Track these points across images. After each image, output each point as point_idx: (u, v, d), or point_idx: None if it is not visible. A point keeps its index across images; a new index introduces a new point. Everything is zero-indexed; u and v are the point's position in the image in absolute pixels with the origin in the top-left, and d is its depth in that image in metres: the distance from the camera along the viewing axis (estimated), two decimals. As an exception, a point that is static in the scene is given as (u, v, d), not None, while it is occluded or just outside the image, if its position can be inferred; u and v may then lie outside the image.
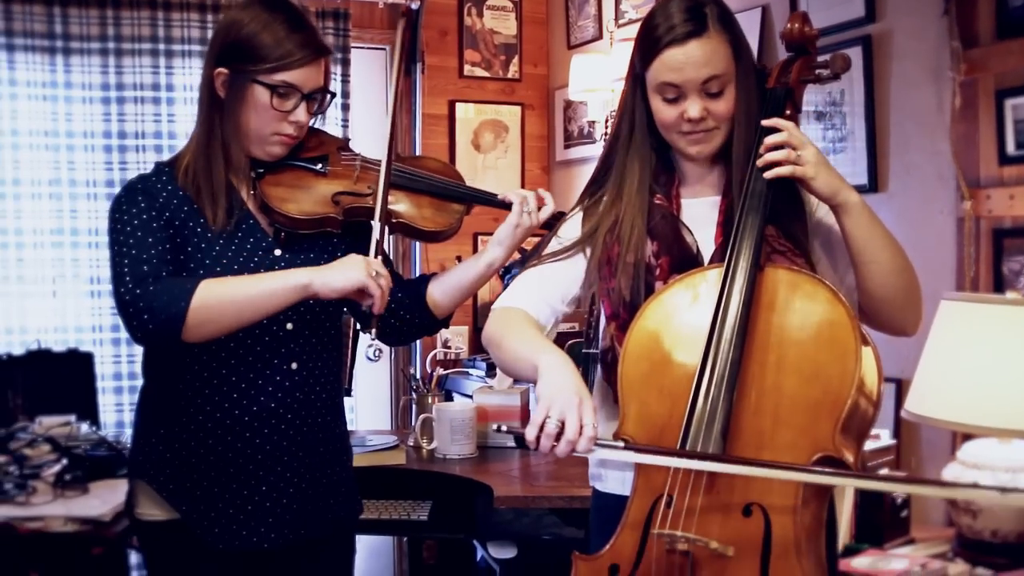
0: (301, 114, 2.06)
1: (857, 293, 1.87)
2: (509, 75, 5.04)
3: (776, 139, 1.76)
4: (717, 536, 1.61)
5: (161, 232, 2.00)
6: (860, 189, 3.12)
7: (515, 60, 5.04)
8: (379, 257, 2.01)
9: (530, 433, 1.62)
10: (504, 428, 1.75)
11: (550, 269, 1.97)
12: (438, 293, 2.20)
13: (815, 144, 1.80)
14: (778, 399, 1.66)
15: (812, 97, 3.31)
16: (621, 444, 1.68)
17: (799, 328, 1.69)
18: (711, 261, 1.86)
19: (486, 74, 5.00)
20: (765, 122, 1.79)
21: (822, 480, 1.59)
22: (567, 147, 4.94)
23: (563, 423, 1.60)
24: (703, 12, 1.82)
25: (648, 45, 1.85)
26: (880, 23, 3.10)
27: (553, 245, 2.01)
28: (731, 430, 1.65)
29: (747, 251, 1.74)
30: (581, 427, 1.61)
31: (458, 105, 4.93)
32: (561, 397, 1.63)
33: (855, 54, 3.16)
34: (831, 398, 1.62)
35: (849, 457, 1.63)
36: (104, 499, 2.73)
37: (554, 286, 1.96)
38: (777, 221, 1.84)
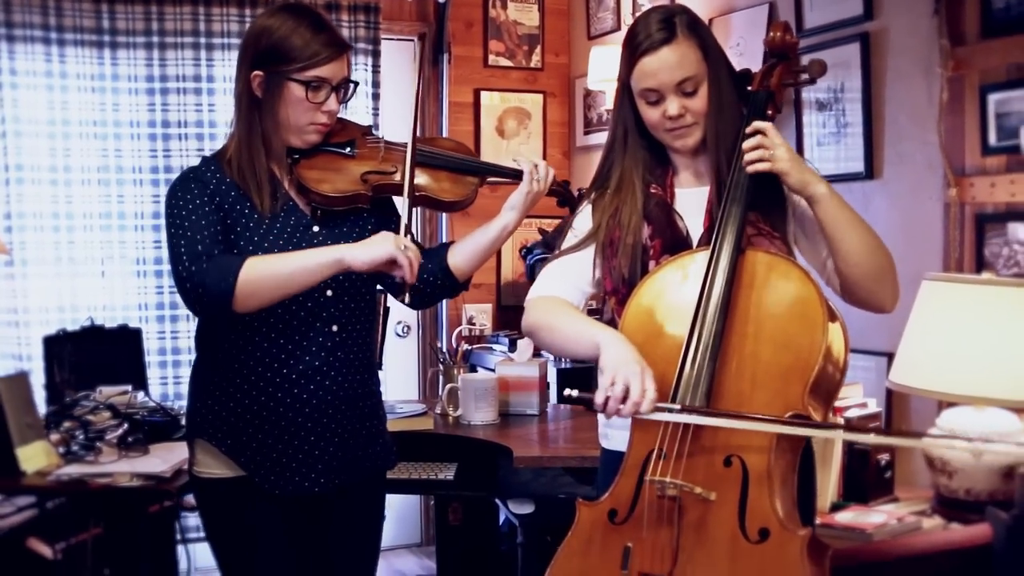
0: (332, 104, 2.30)
1: (836, 274, 2.09)
2: (532, 64, 5.26)
3: (754, 141, 1.99)
4: (701, 483, 1.84)
5: (214, 215, 2.24)
6: (857, 176, 3.37)
7: (537, 50, 5.26)
8: (408, 235, 2.25)
9: (599, 397, 1.87)
10: (575, 394, 1.97)
11: (570, 258, 2.21)
12: (459, 258, 2.42)
13: (788, 142, 2.02)
14: (756, 365, 1.89)
15: (815, 88, 3.53)
16: (678, 407, 1.88)
17: (774, 304, 1.92)
18: (698, 244, 2.09)
19: (510, 63, 5.23)
20: (748, 128, 2.01)
21: (799, 432, 1.84)
22: (587, 133, 5.17)
23: (628, 388, 1.84)
24: (673, 21, 2.06)
25: (629, 55, 2.09)
26: (877, 20, 3.31)
27: (569, 238, 2.25)
28: (714, 392, 1.88)
29: (730, 236, 1.96)
30: (644, 391, 1.85)
31: (483, 93, 5.17)
32: (626, 366, 1.87)
33: (854, 49, 3.37)
34: (801, 364, 1.85)
35: (817, 416, 1.86)
36: (164, 459, 3.00)
37: (578, 272, 2.20)
38: (759, 208, 2.07)
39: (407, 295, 2.24)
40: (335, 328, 2.33)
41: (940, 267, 3.03)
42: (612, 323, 2.14)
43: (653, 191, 2.15)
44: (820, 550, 1.84)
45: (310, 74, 2.24)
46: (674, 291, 2.01)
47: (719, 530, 1.82)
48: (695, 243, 2.10)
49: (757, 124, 2.01)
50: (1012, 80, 2.83)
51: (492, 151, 5.16)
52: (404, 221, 2.26)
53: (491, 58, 5.18)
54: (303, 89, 2.25)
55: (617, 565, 1.87)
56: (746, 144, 1.99)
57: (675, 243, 2.10)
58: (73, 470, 2.90)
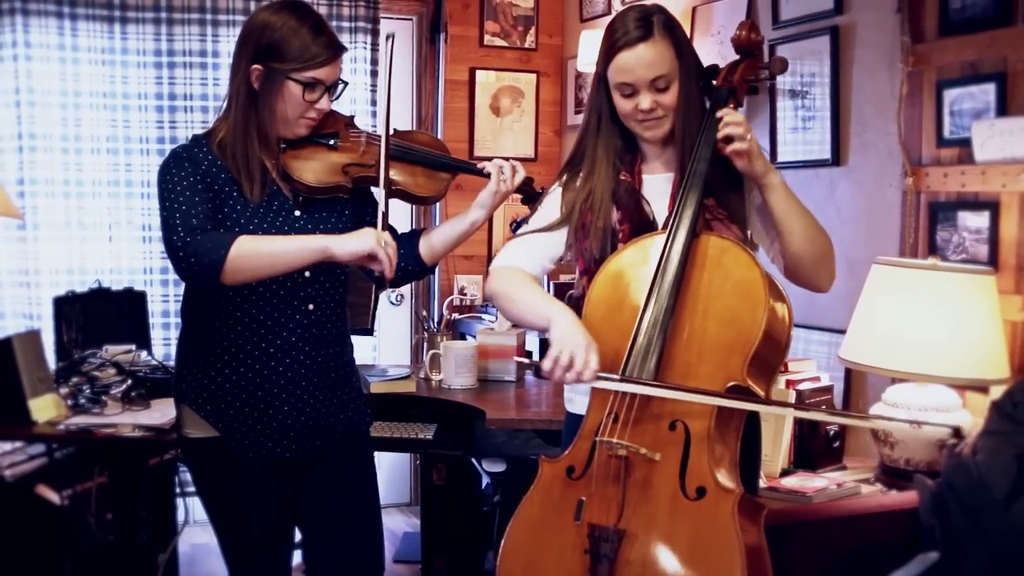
0: (324, 103, 2.46)
1: (781, 256, 2.29)
2: (526, 45, 5.44)
3: (734, 118, 2.16)
4: (648, 444, 2.05)
5: (205, 194, 2.39)
6: (824, 163, 3.57)
7: (532, 31, 5.44)
8: (386, 227, 2.41)
9: (547, 364, 2.08)
10: (526, 361, 2.19)
11: (537, 236, 2.41)
12: (430, 247, 2.61)
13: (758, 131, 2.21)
14: (702, 339, 2.10)
15: (787, 77, 3.71)
16: (617, 376, 2.10)
17: (722, 284, 2.13)
18: (663, 227, 2.28)
19: (504, 44, 5.41)
20: (720, 112, 2.19)
21: (734, 405, 2.04)
22: (578, 112, 5.34)
23: (572, 359, 2.05)
24: (650, 20, 2.23)
25: (607, 49, 2.28)
26: (846, 15, 3.49)
27: (537, 217, 2.44)
28: (664, 361, 2.09)
29: (686, 220, 2.16)
30: (586, 362, 2.05)
31: (478, 72, 5.35)
32: (572, 340, 2.08)
33: (824, 42, 3.56)
34: (743, 339, 2.06)
35: (757, 388, 2.06)
36: (163, 413, 3.23)
37: (542, 249, 2.40)
38: (717, 195, 2.26)
39: (388, 289, 2.40)
40: (311, 307, 2.50)
41: (897, 251, 3.23)
42: (583, 298, 2.33)
43: (623, 178, 2.33)
44: (754, 509, 2.04)
45: (308, 75, 2.39)
46: (634, 270, 2.21)
47: (661, 487, 2.03)
48: (660, 226, 2.28)
49: (729, 111, 2.19)
50: (966, 77, 3.01)
51: (488, 128, 5.35)
52: (382, 210, 2.41)
53: (486, 38, 5.36)
54: (300, 88, 2.39)
55: (571, 516, 2.08)
56: (728, 120, 2.16)
57: (642, 227, 2.29)
58: (80, 420, 3.12)
